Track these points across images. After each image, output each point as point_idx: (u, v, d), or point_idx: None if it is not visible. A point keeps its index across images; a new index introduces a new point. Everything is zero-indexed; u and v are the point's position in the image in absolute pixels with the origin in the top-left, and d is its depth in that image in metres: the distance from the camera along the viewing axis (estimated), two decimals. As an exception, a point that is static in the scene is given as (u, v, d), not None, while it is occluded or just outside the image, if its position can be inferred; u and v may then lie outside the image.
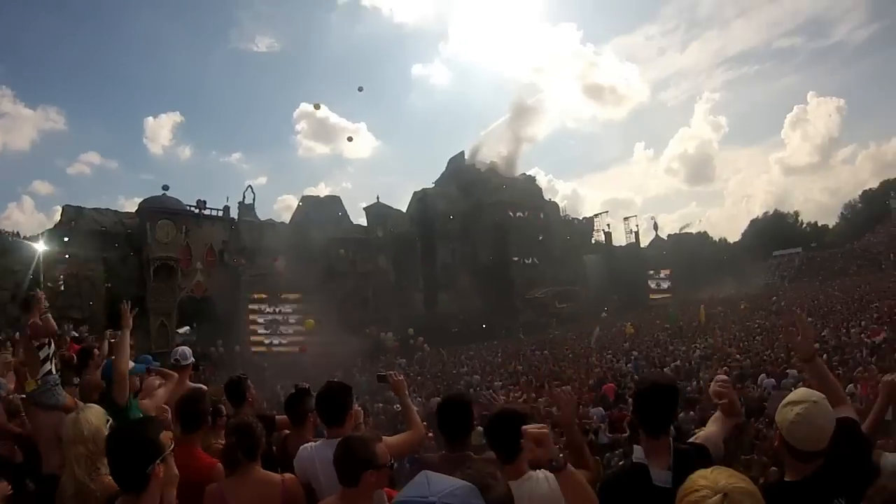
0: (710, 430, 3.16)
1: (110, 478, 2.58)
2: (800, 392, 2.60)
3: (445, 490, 1.45)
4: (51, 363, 5.23)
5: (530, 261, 60.49)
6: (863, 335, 22.76)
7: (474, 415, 3.62)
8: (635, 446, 2.93)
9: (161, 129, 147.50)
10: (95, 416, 2.99)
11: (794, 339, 3.28)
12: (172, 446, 2.45)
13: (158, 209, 43.51)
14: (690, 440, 3.08)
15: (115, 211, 45.92)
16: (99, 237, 40.73)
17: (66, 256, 38.14)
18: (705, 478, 1.77)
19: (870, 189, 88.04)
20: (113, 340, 6.21)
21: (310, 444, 3.69)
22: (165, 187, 45.15)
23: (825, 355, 19.88)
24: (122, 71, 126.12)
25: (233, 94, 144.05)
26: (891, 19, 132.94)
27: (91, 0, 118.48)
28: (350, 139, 72.49)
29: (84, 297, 37.04)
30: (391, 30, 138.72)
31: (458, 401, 3.67)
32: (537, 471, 2.68)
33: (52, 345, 5.38)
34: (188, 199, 46.20)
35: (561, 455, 2.46)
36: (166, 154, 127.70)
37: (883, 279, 46.78)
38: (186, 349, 6.04)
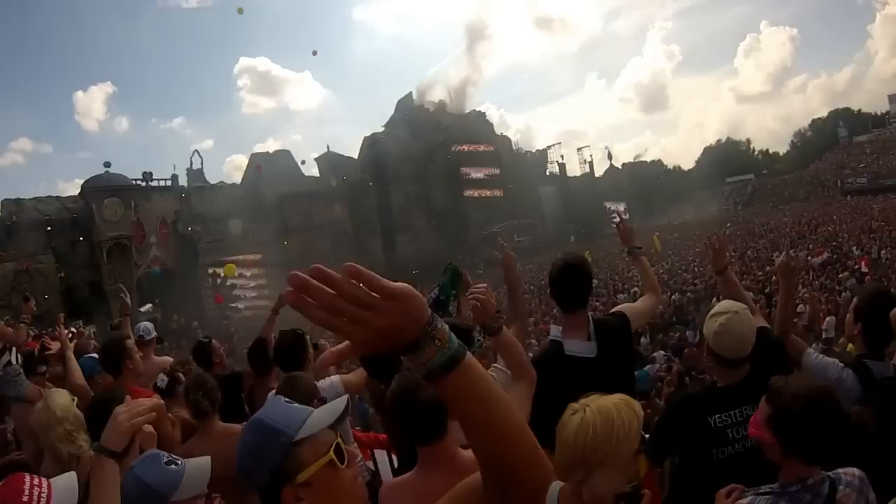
0: (633, 304, 3.46)
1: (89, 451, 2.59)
2: (723, 304, 2.78)
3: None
4: (9, 353, 4.79)
5: (484, 194, 60.64)
6: (808, 257, 23.65)
7: None
8: (551, 325, 3.11)
9: (93, 102, 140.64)
10: (62, 396, 3.00)
11: (709, 254, 3.57)
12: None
13: (103, 188, 42.22)
14: (613, 310, 3.33)
15: (57, 197, 44.26)
16: (44, 227, 39.44)
17: (13, 253, 37.02)
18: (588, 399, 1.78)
19: (819, 118, 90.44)
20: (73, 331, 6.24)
21: (273, 390, 3.71)
22: (107, 164, 43.85)
23: (773, 277, 20.78)
24: (43, 45, 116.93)
25: (166, 57, 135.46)
26: None
27: None
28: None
29: (38, 290, 36.09)
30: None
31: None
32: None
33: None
34: (133, 173, 44.96)
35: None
36: (102, 129, 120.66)
37: (829, 204, 48.60)
38: (148, 324, 5.97)
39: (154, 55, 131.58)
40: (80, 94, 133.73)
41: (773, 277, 20.51)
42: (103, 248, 40.82)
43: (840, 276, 19.32)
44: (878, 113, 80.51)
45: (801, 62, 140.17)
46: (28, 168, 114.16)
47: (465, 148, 61.23)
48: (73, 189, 58.46)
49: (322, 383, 3.64)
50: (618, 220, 3.72)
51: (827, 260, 22.41)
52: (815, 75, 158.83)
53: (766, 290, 18.51)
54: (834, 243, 26.53)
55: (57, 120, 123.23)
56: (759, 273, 22.00)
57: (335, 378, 3.82)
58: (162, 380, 4.18)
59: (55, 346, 5.18)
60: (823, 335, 11.65)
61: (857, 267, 20.07)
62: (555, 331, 3.00)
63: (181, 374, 4.37)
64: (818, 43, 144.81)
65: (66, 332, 5.52)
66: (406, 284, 0.98)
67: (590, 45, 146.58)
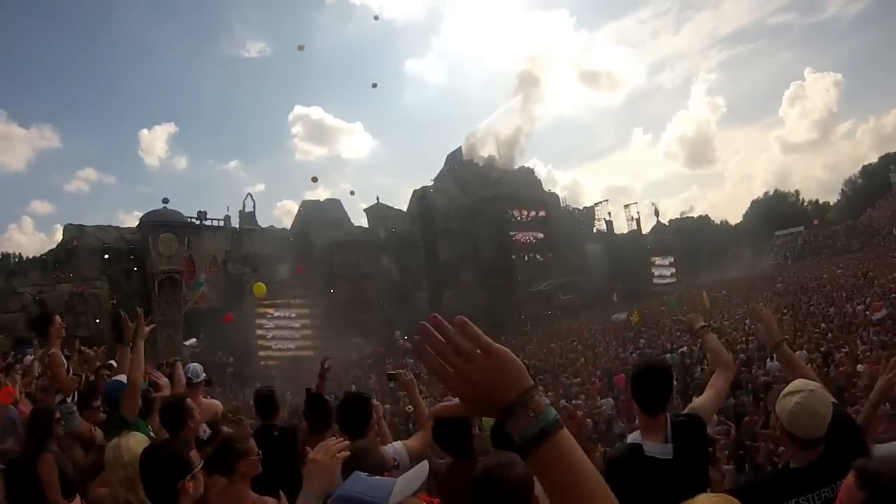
0: (703, 397, 3.35)
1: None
2: (797, 383, 2.70)
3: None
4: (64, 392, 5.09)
5: (532, 255, 60.60)
6: (866, 311, 22.84)
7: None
8: (629, 435, 3.07)
9: (156, 140, 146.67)
10: (136, 443, 3.05)
11: (760, 333, 3.54)
12: (202, 464, 2.59)
13: (159, 223, 43.71)
14: (685, 411, 3.24)
15: (116, 227, 46.17)
16: (101, 254, 41.05)
17: (71, 276, 38.35)
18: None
19: (870, 164, 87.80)
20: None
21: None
22: (165, 200, 45.34)
23: (829, 334, 20.07)
24: (114, 83, 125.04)
25: (226, 102, 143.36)
26: None
27: (77, 12, 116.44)
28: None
29: (90, 314, 37.23)
30: (382, 26, 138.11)
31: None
32: None
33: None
34: (187, 210, 46.60)
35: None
36: (163, 165, 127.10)
37: (886, 254, 46.99)
38: (197, 366, 5.83)
39: (215, 100, 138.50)
40: (144, 131, 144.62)
41: (829, 335, 19.95)
42: (155, 280, 42.09)
43: (902, 329, 18.49)
44: None
45: (848, 107, 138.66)
46: (91, 196, 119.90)
47: (515, 211, 61.36)
48: (131, 221, 60.74)
49: (388, 450, 3.62)
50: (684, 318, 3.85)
51: (887, 315, 21.56)
52: (864, 120, 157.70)
53: (823, 349, 17.92)
54: (893, 296, 25.46)
55: (121, 154, 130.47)
56: (815, 330, 21.34)
57: (398, 445, 3.80)
58: (204, 431, 4.24)
59: (164, 384, 5.17)
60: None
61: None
62: (631, 435, 3.08)
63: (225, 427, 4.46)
64: (864, 86, 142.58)
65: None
66: (507, 349, 1.02)
67: (635, 99, 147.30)
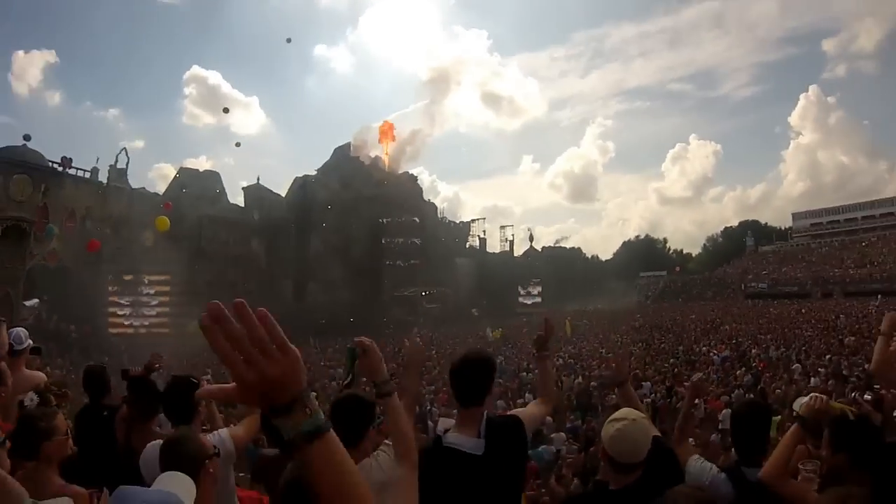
0: (526, 408, 3.46)
1: None
2: (622, 411, 2.91)
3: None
4: None
5: (403, 260, 61.02)
6: (711, 353, 24.90)
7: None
8: (440, 419, 3.14)
9: (30, 66, 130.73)
10: None
11: (611, 370, 3.83)
12: (4, 438, 2.45)
13: (15, 161, 39.16)
14: (508, 412, 3.43)
15: (-38, 157, 40.82)
16: (-63, 185, 36.11)
17: None
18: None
19: (731, 226, 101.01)
20: None
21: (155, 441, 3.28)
22: (27, 137, 40.79)
23: (675, 369, 21.62)
24: None
25: (120, 42, 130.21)
26: (769, 84, 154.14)
27: None
28: (226, 110, 69.11)
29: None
30: (301, 5, 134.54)
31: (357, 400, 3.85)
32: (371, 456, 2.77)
33: None
34: (51, 154, 42.04)
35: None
36: (32, 96, 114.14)
37: (733, 305, 52.09)
38: (22, 331, 5.01)
39: (108, 37, 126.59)
40: (20, 53, 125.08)
41: (675, 370, 21.45)
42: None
43: (738, 371, 20.14)
44: (783, 227, 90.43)
45: (721, 175, 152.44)
46: None
47: (391, 212, 61.64)
48: (-19, 153, 54.60)
49: (212, 438, 3.34)
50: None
51: (728, 356, 23.54)
52: (732, 188, 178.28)
53: (667, 384, 19.23)
54: (733, 341, 28.11)
55: None
56: (664, 365, 22.86)
57: (224, 432, 3.54)
58: (31, 399, 3.87)
59: None
60: (720, 426, 12.17)
61: (754, 363, 21.12)
62: (441, 424, 3.14)
63: (52, 397, 4.06)
64: (738, 160, 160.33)
65: None
66: (297, 350, 1.04)
67: (531, 128, 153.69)
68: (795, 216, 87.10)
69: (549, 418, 15.10)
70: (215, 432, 3.53)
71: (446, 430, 3.03)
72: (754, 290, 64.38)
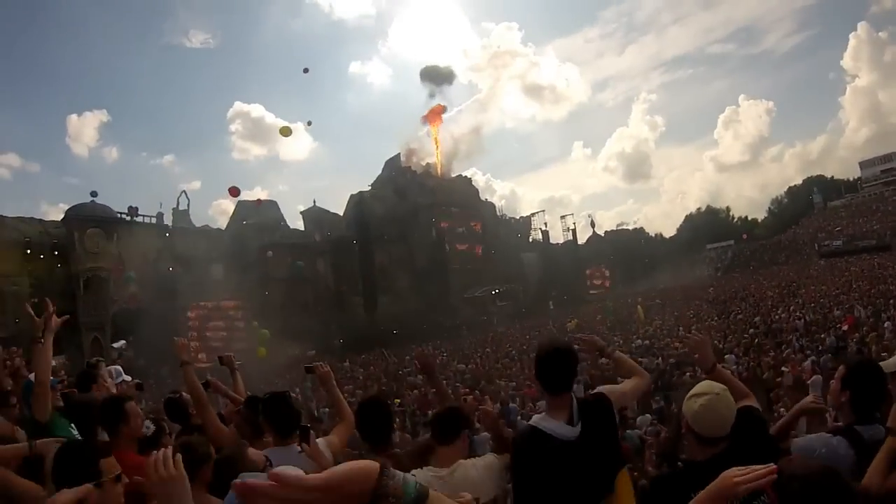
0: (613, 386, 3.35)
1: None
2: (703, 385, 2.80)
3: None
4: None
5: (467, 262, 61.14)
6: (791, 318, 24.01)
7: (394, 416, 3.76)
8: (538, 409, 3.11)
9: (85, 128, 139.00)
10: None
11: (695, 359, 3.62)
12: (119, 476, 2.40)
13: (87, 217, 41.59)
14: (594, 391, 3.25)
15: (40, 220, 43.73)
16: (22, 248, 38.50)
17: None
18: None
19: (795, 185, 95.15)
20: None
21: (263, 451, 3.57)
22: (94, 193, 43.15)
23: (756, 339, 20.93)
24: (43, 62, 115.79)
25: (163, 92, 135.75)
26: (815, 29, 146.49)
27: None
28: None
29: (8, 313, 35.08)
30: (330, 26, 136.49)
31: (373, 403, 3.79)
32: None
33: None
34: (117, 205, 44.37)
35: None
36: (92, 155, 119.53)
37: (808, 267, 49.95)
38: (115, 367, 5.51)
39: (152, 89, 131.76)
40: (73, 117, 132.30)
41: (756, 341, 20.79)
42: (80, 279, 40.02)
43: (822, 336, 19.41)
44: (850, 179, 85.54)
45: (777, 133, 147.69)
46: (13, 185, 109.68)
47: (449, 221, 61.84)
48: (55, 213, 57.62)
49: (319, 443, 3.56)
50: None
51: (809, 321, 22.67)
52: (791, 145, 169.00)
53: (750, 356, 18.67)
54: (813, 305, 27.02)
55: (48, 140, 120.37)
56: (744, 336, 22.17)
57: (322, 442, 3.65)
58: (147, 428, 3.96)
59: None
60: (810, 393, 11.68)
61: (839, 326, 20.27)
62: (537, 416, 3.03)
63: (164, 424, 4.22)
64: (793, 114, 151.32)
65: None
66: (345, 465, 1.03)
67: (577, 114, 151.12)
68: (863, 164, 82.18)
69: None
70: (320, 439, 3.66)
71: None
72: (829, 249, 60.84)
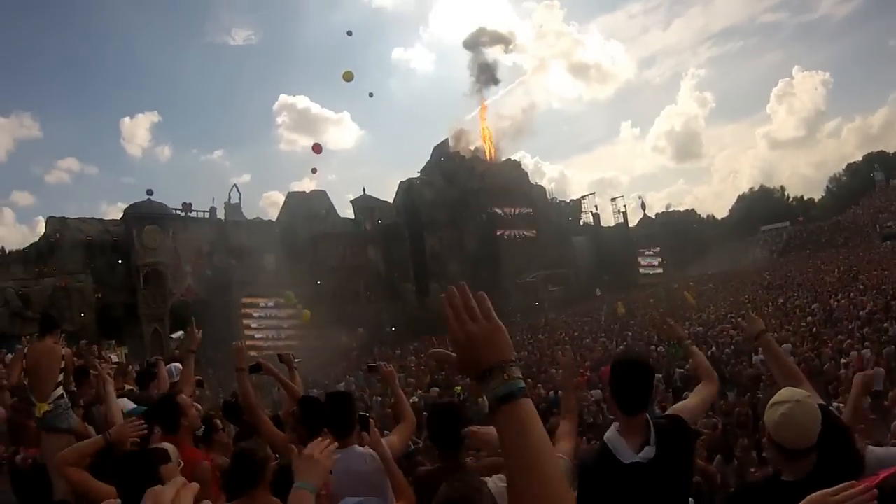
0: (688, 402, 3.23)
1: None
2: (784, 392, 2.67)
3: None
4: (61, 388, 5.10)
5: (519, 246, 60.90)
6: (851, 306, 23.17)
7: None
8: (614, 423, 2.97)
9: (138, 129, 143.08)
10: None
11: (742, 327, 3.50)
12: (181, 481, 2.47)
13: (144, 214, 43.15)
14: (668, 411, 3.13)
15: (100, 219, 45.76)
16: (85, 247, 40.56)
17: (54, 269, 37.82)
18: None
19: (854, 162, 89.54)
20: (114, 355, 5.98)
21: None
22: (150, 192, 44.76)
23: (815, 328, 20.31)
24: (94, 69, 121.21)
25: (210, 90, 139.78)
26: None
27: None
28: (314, 171, 71.55)
29: (74, 309, 36.79)
30: (370, 15, 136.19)
31: (448, 409, 3.71)
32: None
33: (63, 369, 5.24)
34: (172, 201, 45.96)
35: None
36: (146, 155, 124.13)
37: (869, 250, 47.89)
38: (175, 366, 5.76)
39: (199, 88, 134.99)
40: (126, 119, 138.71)
41: (814, 329, 20.18)
42: (140, 273, 41.61)
43: (884, 325, 18.68)
44: None
45: (835, 106, 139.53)
46: (73, 188, 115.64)
47: (501, 206, 61.68)
48: (114, 212, 59.62)
49: (364, 450, 3.55)
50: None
51: (872, 310, 21.79)
52: (850, 119, 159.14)
53: (806, 343, 18.12)
54: (875, 291, 25.89)
55: (103, 143, 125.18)
56: (801, 324, 21.57)
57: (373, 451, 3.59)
58: (199, 427, 4.13)
59: (101, 370, 4.84)
60: (872, 388, 11.25)
61: (902, 315, 19.49)
62: (610, 433, 2.87)
63: (217, 421, 4.42)
64: (851, 86, 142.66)
65: (104, 361, 5.26)
66: (503, 326, 1.24)
67: (624, 93, 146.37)
68: None
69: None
70: (366, 447, 3.63)
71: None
72: (892, 231, 57.37)
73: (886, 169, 77.20)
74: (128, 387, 6.05)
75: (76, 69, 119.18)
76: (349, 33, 79.15)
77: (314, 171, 64.11)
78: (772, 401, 2.64)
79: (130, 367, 6.53)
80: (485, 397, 1.24)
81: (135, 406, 4.58)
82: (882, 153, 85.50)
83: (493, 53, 79.30)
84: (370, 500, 3.01)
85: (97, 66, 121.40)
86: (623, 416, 2.85)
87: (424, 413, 14.85)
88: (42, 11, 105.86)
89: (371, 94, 76.43)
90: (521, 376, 1.20)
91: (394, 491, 3.45)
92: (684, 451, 2.88)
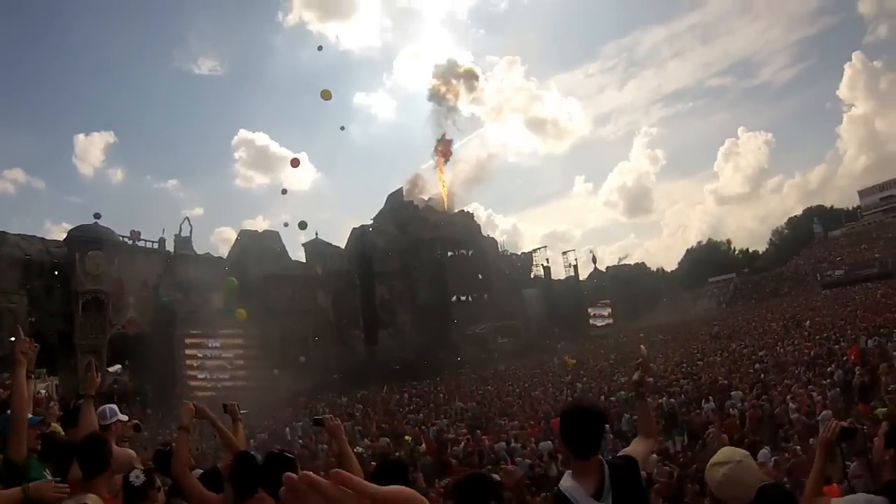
0: (636, 447, 3.24)
1: None
2: (724, 452, 2.91)
3: None
4: None
5: (469, 298, 61.00)
6: (796, 352, 23.84)
7: None
8: (566, 472, 2.91)
9: (92, 147, 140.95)
10: None
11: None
12: None
13: (89, 238, 41.44)
14: (619, 454, 3.12)
15: (42, 238, 43.57)
16: (23, 266, 38.45)
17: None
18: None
19: (795, 216, 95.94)
20: (42, 387, 5.41)
21: None
22: (97, 215, 43.17)
23: (762, 374, 20.75)
24: (53, 80, 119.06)
25: (171, 116, 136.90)
26: (811, 61, 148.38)
27: (20, 3, 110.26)
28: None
29: (4, 331, 34.63)
30: (337, 57, 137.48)
31: (396, 466, 3.83)
32: None
33: None
34: (119, 226, 44.70)
35: None
36: (97, 176, 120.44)
37: (811, 298, 49.89)
38: (108, 408, 5.11)
39: (159, 113, 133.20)
40: (81, 136, 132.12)
41: (762, 375, 20.54)
42: (80, 300, 39.65)
43: (828, 369, 19.20)
44: (850, 208, 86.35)
45: (776, 164, 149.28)
46: (17, 201, 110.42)
47: (451, 251, 62.04)
48: (58, 232, 57.43)
49: None
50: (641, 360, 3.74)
51: (817, 354, 22.40)
52: (790, 175, 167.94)
53: (756, 391, 18.45)
54: (818, 337, 26.87)
55: (54, 158, 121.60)
56: (751, 371, 22.04)
57: None
58: (137, 477, 3.73)
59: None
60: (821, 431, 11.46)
61: (845, 358, 20.01)
62: (565, 479, 2.89)
63: (154, 477, 3.94)
64: (791, 145, 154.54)
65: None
66: (402, 488, 0.92)
67: (579, 148, 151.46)
68: (862, 193, 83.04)
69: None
70: None
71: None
72: (831, 279, 61.31)
73: (825, 222, 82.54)
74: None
75: (33, 77, 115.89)
76: (319, 48, 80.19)
77: (284, 192, 62.85)
78: (712, 461, 2.85)
79: (53, 403, 5.82)
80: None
81: (32, 416, 4.12)
82: (821, 207, 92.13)
83: (455, 100, 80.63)
84: None
85: (57, 77, 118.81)
86: (576, 460, 2.86)
87: (372, 462, 14.57)
88: (9, 19, 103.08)
89: (343, 128, 77.48)
90: None
91: None
92: (638, 492, 2.91)
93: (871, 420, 9.43)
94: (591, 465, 2.78)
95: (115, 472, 3.93)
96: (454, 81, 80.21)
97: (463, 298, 61.33)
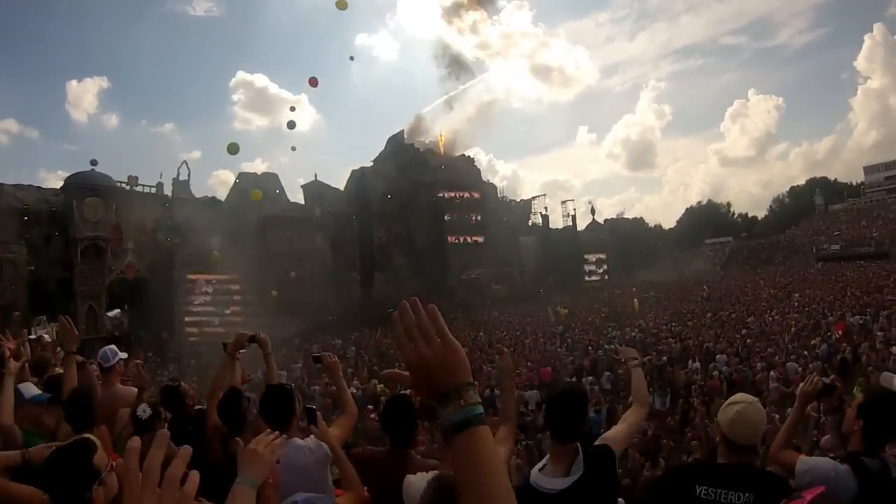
0: (616, 429, 3.36)
1: None
2: (738, 395, 3.02)
3: None
4: None
5: (466, 240, 61.16)
6: (784, 322, 24.21)
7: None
8: (536, 467, 3.04)
9: (85, 94, 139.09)
10: None
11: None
12: (110, 465, 2.39)
13: (86, 185, 41.27)
14: (596, 442, 3.24)
15: (38, 187, 43.49)
16: (20, 216, 38.37)
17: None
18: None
19: (798, 185, 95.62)
20: (45, 333, 5.53)
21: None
22: (94, 162, 42.72)
23: (748, 340, 21.14)
24: (43, 28, 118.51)
25: (165, 60, 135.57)
26: (831, 27, 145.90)
27: None
28: (293, 109, 69.26)
29: (5, 281, 34.81)
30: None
31: (401, 401, 3.78)
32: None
33: None
34: (116, 172, 44.31)
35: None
36: (91, 122, 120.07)
37: (805, 270, 50.17)
38: (109, 349, 5.33)
39: (153, 56, 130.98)
40: (74, 83, 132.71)
41: (748, 341, 20.92)
42: (78, 247, 39.74)
43: (812, 342, 19.53)
44: (854, 183, 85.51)
45: (785, 130, 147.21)
46: (11, 151, 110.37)
47: (450, 195, 61.75)
48: (54, 180, 57.12)
49: (307, 442, 3.55)
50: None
51: (803, 326, 22.78)
52: (797, 143, 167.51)
53: (739, 353, 18.90)
54: (807, 309, 27.20)
55: (47, 106, 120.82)
56: (737, 336, 22.39)
57: (313, 444, 3.58)
58: (144, 410, 3.94)
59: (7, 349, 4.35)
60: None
61: (829, 334, 20.36)
62: (534, 474, 2.99)
63: (160, 409, 4.13)
64: (802, 113, 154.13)
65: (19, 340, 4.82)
66: (460, 346, 1.20)
67: (584, 98, 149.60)
68: (867, 170, 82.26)
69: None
70: (310, 437, 3.62)
71: (541, 468, 2.99)
72: (826, 253, 61.38)
73: (827, 194, 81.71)
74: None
75: (23, 23, 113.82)
76: (351, 58, 78.21)
77: (294, 148, 62.85)
78: (728, 401, 2.94)
79: (59, 349, 5.92)
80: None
81: (38, 393, 4.25)
82: (824, 179, 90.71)
83: (462, 44, 78.98)
84: (321, 497, 3.01)
85: (46, 24, 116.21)
86: (557, 443, 3.00)
87: (369, 406, 15.08)
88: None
89: (352, 58, 75.96)
90: (478, 400, 1.17)
91: (342, 482, 3.48)
92: (608, 479, 3.01)
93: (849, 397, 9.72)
94: (568, 450, 2.92)
95: (123, 407, 4.33)
96: (460, 20, 78.05)
97: (460, 240, 61.32)
